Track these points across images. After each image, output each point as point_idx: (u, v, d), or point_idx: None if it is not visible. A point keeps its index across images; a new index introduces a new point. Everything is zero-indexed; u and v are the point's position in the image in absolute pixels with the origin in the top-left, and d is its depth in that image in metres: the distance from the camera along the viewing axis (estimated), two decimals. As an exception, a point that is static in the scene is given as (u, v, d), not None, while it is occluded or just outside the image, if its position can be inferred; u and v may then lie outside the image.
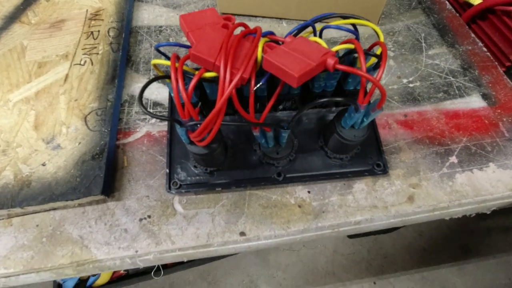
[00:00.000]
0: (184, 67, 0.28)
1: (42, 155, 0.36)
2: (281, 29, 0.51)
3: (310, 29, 0.31)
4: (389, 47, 0.49)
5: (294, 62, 0.25)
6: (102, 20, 0.49)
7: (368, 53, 0.29)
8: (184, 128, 0.28)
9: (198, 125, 0.27)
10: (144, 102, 0.43)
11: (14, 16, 0.50)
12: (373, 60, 0.31)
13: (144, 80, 0.45)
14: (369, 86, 0.27)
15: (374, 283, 1.19)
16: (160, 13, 0.53)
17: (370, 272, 1.21)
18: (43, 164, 0.35)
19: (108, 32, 0.47)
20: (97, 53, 0.45)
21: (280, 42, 0.29)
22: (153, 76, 0.46)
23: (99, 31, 0.47)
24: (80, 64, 0.43)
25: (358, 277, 1.20)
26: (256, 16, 0.53)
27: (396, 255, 1.24)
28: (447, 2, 0.54)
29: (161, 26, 0.52)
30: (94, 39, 0.46)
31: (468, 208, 0.36)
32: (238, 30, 0.28)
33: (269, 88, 0.34)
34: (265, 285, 1.19)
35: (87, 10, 0.50)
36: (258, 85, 0.28)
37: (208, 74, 0.27)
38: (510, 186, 0.36)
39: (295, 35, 0.30)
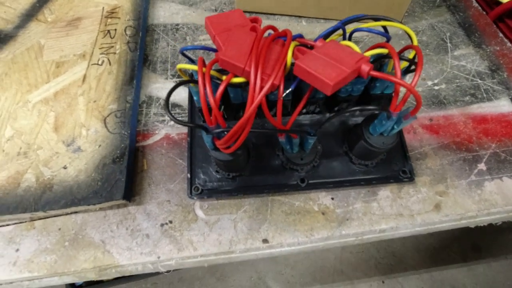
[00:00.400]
0: (211, 72, 0.27)
1: (63, 157, 0.35)
2: (301, 28, 0.50)
3: (339, 31, 0.30)
4: (412, 47, 0.47)
5: (327, 69, 0.24)
6: (119, 18, 0.48)
7: (402, 58, 0.27)
8: (210, 135, 0.27)
9: (225, 132, 0.26)
10: (162, 104, 0.42)
11: (31, 14, 0.49)
12: (404, 64, 0.29)
13: (162, 80, 0.44)
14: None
15: (383, 282, 1.18)
16: (176, 10, 0.52)
17: (379, 270, 1.20)
18: (64, 167, 0.35)
19: (125, 30, 0.46)
20: (115, 53, 0.44)
21: (310, 46, 0.28)
22: (170, 76, 0.45)
23: (115, 29, 0.46)
24: (97, 64, 0.43)
25: (367, 275, 1.20)
26: (274, 14, 0.52)
27: (405, 254, 1.23)
28: (473, -1, 0.52)
29: (177, 24, 0.51)
30: (111, 38, 0.45)
31: (496, 217, 0.35)
32: (267, 33, 0.27)
33: (294, 92, 0.33)
34: (273, 282, 1.20)
35: (103, 8, 0.49)
36: (287, 91, 0.27)
37: (237, 79, 0.26)
38: (542, 195, 0.34)
39: (325, 38, 0.29)
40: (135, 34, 0.46)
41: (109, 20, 0.48)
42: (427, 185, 0.36)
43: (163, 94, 0.43)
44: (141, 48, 0.46)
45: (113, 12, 0.48)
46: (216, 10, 0.52)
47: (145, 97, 0.43)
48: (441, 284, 1.16)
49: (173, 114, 0.25)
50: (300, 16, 0.51)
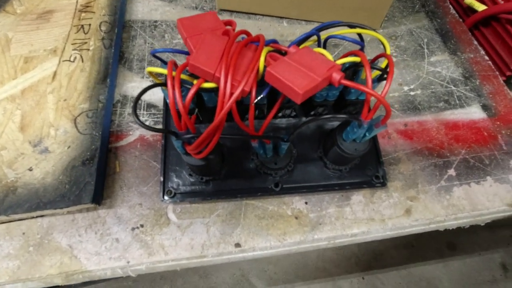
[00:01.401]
0: (182, 75, 0.27)
1: (29, 159, 0.34)
2: (282, 29, 0.50)
3: (314, 37, 0.30)
4: (391, 52, 0.47)
5: (298, 77, 0.23)
6: (94, 12, 0.46)
7: (374, 67, 0.27)
8: (180, 141, 0.26)
9: (196, 138, 0.26)
10: (138, 104, 0.41)
11: (-2, 5, 0.47)
12: (377, 72, 0.30)
13: (138, 79, 0.43)
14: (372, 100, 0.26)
15: (363, 278, 1.21)
16: (155, 6, 0.51)
17: (359, 267, 1.23)
18: (30, 169, 0.33)
19: (100, 26, 0.44)
20: (88, 49, 0.42)
21: (283, 52, 0.27)
22: (147, 75, 0.44)
23: (90, 24, 0.45)
24: (69, 60, 0.41)
25: (348, 272, 1.23)
26: (255, 14, 0.51)
27: (384, 251, 1.26)
28: (450, 6, 0.53)
29: (156, 21, 0.49)
30: (85, 34, 0.44)
31: (463, 221, 0.36)
32: (240, 38, 0.27)
33: (269, 96, 0.33)
34: (256, 279, 1.21)
35: (77, 1, 0.47)
36: (259, 97, 0.26)
37: (207, 85, 0.25)
38: (506, 201, 0.36)
39: (299, 44, 0.28)
40: (110, 30, 0.44)
41: (83, 14, 0.46)
42: (399, 190, 0.36)
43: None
44: (117, 45, 0.44)
45: (87, 6, 0.46)
46: (196, 8, 0.51)
47: (120, 96, 0.42)
48: (419, 279, 1.20)
49: (140, 119, 0.24)
50: (281, 17, 0.51)
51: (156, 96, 0.42)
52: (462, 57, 0.47)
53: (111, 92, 0.40)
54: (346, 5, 0.47)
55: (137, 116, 0.24)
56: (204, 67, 0.24)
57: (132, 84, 0.43)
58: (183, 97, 0.25)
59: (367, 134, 0.29)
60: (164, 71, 0.25)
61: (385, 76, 0.29)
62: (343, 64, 0.28)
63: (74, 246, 0.32)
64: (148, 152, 0.38)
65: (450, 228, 0.38)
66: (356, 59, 0.27)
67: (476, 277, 1.19)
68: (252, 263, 1.20)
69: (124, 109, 0.41)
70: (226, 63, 0.24)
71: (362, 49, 0.29)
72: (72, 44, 0.43)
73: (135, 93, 0.42)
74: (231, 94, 0.24)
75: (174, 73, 0.25)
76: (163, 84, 0.28)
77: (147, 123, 0.40)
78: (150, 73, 0.27)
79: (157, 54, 0.28)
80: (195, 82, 0.26)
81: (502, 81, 0.45)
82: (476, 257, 1.22)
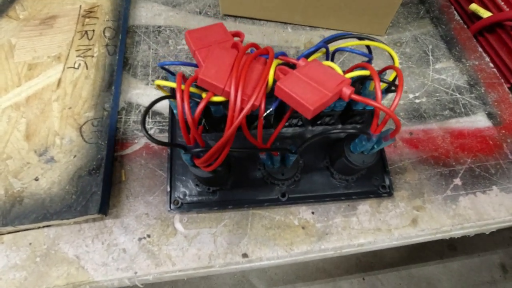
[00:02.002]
0: (190, 89, 0.26)
1: (35, 168, 0.34)
2: (286, 35, 0.50)
3: (322, 49, 0.29)
4: (396, 59, 0.47)
5: (308, 92, 0.23)
6: (97, 18, 0.46)
7: (383, 80, 0.27)
8: (189, 154, 0.26)
9: (204, 152, 0.26)
10: (143, 111, 0.41)
11: (0, 10, 0.46)
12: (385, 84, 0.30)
13: (143, 86, 0.43)
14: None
15: (363, 279, 1.22)
16: (159, 11, 0.51)
17: (360, 268, 1.23)
18: (36, 179, 0.33)
19: (104, 32, 0.44)
20: (92, 56, 0.42)
21: (293, 65, 0.27)
22: (151, 82, 0.44)
23: (93, 30, 0.44)
24: (74, 67, 0.41)
25: (348, 272, 1.23)
26: (260, 20, 0.51)
27: (385, 252, 1.26)
28: (455, 12, 0.53)
29: (160, 26, 0.49)
30: (89, 40, 0.43)
31: (469, 231, 0.36)
32: (249, 50, 0.27)
33: (277, 106, 0.33)
34: (256, 280, 1.21)
35: (80, 6, 0.47)
36: (268, 111, 0.26)
37: (217, 99, 0.25)
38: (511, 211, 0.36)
39: (307, 57, 0.28)
40: (114, 36, 0.44)
41: (86, 20, 0.45)
42: (405, 199, 0.36)
43: (143, 100, 0.42)
44: (121, 51, 0.44)
45: (91, 12, 0.46)
46: (200, 13, 0.51)
47: (125, 103, 0.41)
48: (418, 280, 1.21)
49: (149, 132, 0.24)
50: (286, 23, 0.51)
51: (161, 103, 0.41)
52: (467, 64, 0.47)
53: (116, 99, 0.40)
54: (351, 12, 0.47)
55: (146, 131, 0.24)
56: (214, 82, 0.24)
57: (136, 91, 0.42)
58: (192, 109, 0.24)
59: (375, 147, 0.29)
60: (173, 84, 0.25)
61: (393, 88, 0.29)
62: (352, 77, 0.27)
63: (81, 257, 0.32)
64: (153, 161, 0.38)
65: (455, 237, 0.38)
66: (365, 72, 0.27)
67: (475, 278, 1.20)
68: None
69: (129, 117, 0.40)
70: (236, 78, 0.24)
71: (370, 61, 0.29)
72: (76, 50, 0.42)
73: (140, 100, 0.42)
74: (241, 109, 0.24)
75: (182, 86, 0.24)
76: (172, 97, 0.27)
77: (152, 131, 0.40)
78: (159, 86, 0.27)
79: (165, 67, 0.28)
80: (203, 95, 0.26)
81: (507, 89, 0.45)
82: (476, 258, 1.22)
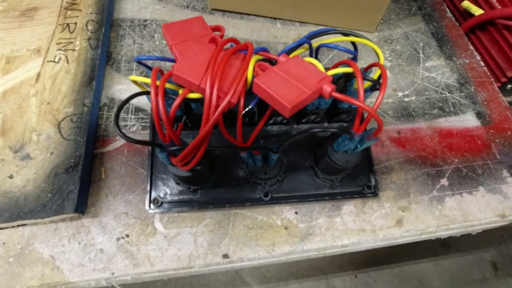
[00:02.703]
0: (167, 85, 0.25)
1: (9, 165, 0.33)
2: (275, 30, 0.48)
3: (305, 44, 0.29)
4: (386, 56, 0.47)
5: (287, 89, 0.22)
6: (80, 10, 0.44)
7: (366, 78, 0.27)
8: (165, 153, 0.25)
9: (181, 150, 0.25)
10: (125, 108, 0.40)
11: (-20, 1, 0.45)
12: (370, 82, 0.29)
13: (126, 81, 0.42)
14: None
15: (356, 276, 1.22)
16: (145, 4, 0.49)
17: (353, 265, 1.23)
18: (10, 177, 0.32)
19: (87, 25, 0.43)
20: (74, 49, 0.41)
21: (274, 61, 0.26)
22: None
23: (76, 23, 0.43)
24: (54, 61, 0.40)
25: (341, 269, 1.23)
26: (248, 14, 0.50)
27: (378, 249, 1.26)
28: (447, 9, 0.52)
29: (145, 20, 0.48)
30: (70, 33, 0.42)
31: (455, 232, 0.36)
32: (228, 45, 0.26)
33: (259, 103, 0.32)
34: (249, 277, 1.21)
35: (63, -2, 0.45)
36: (247, 109, 0.25)
37: (193, 95, 0.24)
38: (498, 212, 0.35)
39: (289, 53, 0.27)
40: (97, 29, 0.43)
41: (69, 12, 0.44)
42: (391, 200, 0.36)
43: (126, 96, 0.41)
44: (104, 45, 0.43)
45: (73, 4, 0.45)
46: (187, 7, 0.50)
47: (107, 99, 0.40)
48: (410, 277, 1.21)
49: (123, 131, 0.23)
50: (275, 18, 0.49)
51: (144, 99, 0.40)
52: (458, 63, 0.46)
53: (97, 95, 0.39)
54: (341, 7, 0.46)
55: (119, 128, 0.23)
56: (189, 78, 0.23)
57: (120, 87, 0.41)
58: (168, 107, 0.23)
59: (358, 146, 0.28)
60: (148, 80, 0.24)
61: (378, 86, 0.29)
62: (335, 74, 0.27)
63: (56, 257, 0.31)
64: (135, 158, 0.37)
65: (441, 238, 0.37)
66: (348, 69, 0.26)
67: (466, 275, 1.20)
68: (246, 261, 1.20)
69: (111, 113, 0.39)
70: (212, 74, 0.23)
71: (355, 58, 0.28)
72: (57, 44, 0.41)
73: (123, 95, 0.41)
74: (217, 106, 0.23)
75: (158, 82, 0.23)
76: (148, 93, 0.26)
77: (134, 127, 0.39)
78: (134, 82, 0.26)
79: (143, 61, 0.27)
80: (180, 91, 0.25)
81: (497, 88, 0.44)
82: (468, 256, 1.23)
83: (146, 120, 0.39)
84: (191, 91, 0.24)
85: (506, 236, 1.27)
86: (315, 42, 0.28)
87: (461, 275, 1.21)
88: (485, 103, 0.43)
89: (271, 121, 0.36)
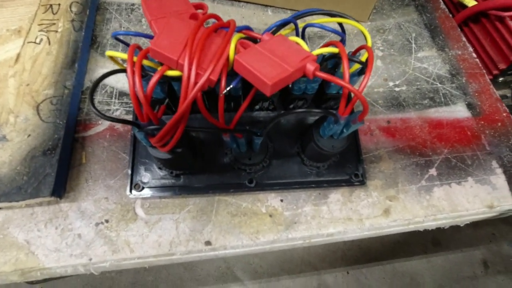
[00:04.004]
0: (146, 62, 0.24)
1: (-16, 147, 0.31)
2: (266, 18, 0.48)
3: (291, 25, 0.28)
4: (378, 46, 0.46)
5: (268, 67, 0.22)
6: (65, -8, 0.43)
7: (352, 59, 0.26)
8: (143, 132, 0.25)
9: (159, 130, 0.24)
10: (109, 92, 0.39)
11: (-40, -20, 0.43)
12: (358, 65, 0.28)
13: (111, 65, 0.41)
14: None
15: (348, 272, 1.22)
16: (133, -12, 0.48)
17: (345, 261, 1.23)
18: (-15, 158, 0.31)
19: (70, 6, 0.42)
20: (56, 31, 0.39)
21: (258, 40, 0.25)
22: (121, 62, 0.41)
23: (59, 4, 0.42)
24: (35, 42, 0.38)
25: (333, 266, 1.23)
26: (239, 1, 0.49)
27: (370, 246, 1.27)
28: (441, 0, 0.51)
29: (133, 4, 0.46)
30: (53, 14, 0.41)
31: (442, 222, 0.35)
32: (209, 23, 0.25)
33: (244, 86, 0.31)
34: (241, 272, 1.20)
35: (47, -21, 0.44)
36: (228, 88, 0.24)
37: (172, 73, 0.23)
38: (486, 203, 0.35)
39: (274, 32, 0.26)
40: (81, 11, 0.42)
41: (52, -7, 0.42)
42: (379, 189, 0.35)
43: (110, 80, 0.40)
44: (89, 28, 0.41)
45: (58, -15, 0.43)
46: (176, -8, 0.48)
47: (90, 83, 0.39)
48: (402, 275, 1.22)
49: (98, 109, 0.22)
50: (266, 5, 0.48)
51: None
52: (450, 54, 0.46)
53: (80, 78, 0.38)
54: (333, -5, 0.45)
55: (93, 103, 0.22)
56: (167, 53, 0.22)
57: (104, 70, 0.40)
58: (146, 85, 0.23)
59: (344, 131, 0.27)
60: (124, 56, 0.23)
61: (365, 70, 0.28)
62: (321, 55, 0.26)
63: (31, 242, 0.30)
64: (117, 143, 0.36)
65: (429, 229, 0.37)
66: (334, 50, 0.25)
67: (457, 273, 1.21)
68: (238, 256, 1.20)
69: (94, 97, 0.38)
70: (190, 49, 0.22)
71: (342, 40, 0.28)
72: (39, 25, 0.40)
73: (107, 80, 0.40)
74: (196, 83, 0.22)
75: (135, 59, 0.23)
76: (125, 71, 0.25)
77: (118, 112, 0.38)
78: (111, 58, 0.25)
79: (120, 37, 0.26)
80: (159, 69, 0.24)
81: (488, 80, 0.44)
82: (459, 253, 1.24)
83: (131, 105, 0.38)
84: (170, 68, 0.23)
85: (497, 234, 1.28)
86: (302, 23, 0.28)
87: (452, 273, 1.22)
88: (476, 94, 0.42)
89: (257, 107, 0.35)
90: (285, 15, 0.48)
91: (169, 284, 1.12)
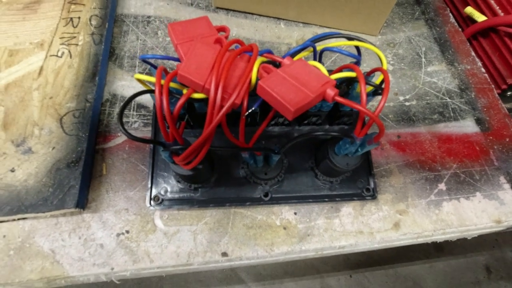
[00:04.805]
0: (172, 84, 0.26)
1: (11, 159, 0.33)
2: (279, 31, 0.49)
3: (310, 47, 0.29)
4: (388, 60, 0.47)
5: (291, 92, 0.23)
6: (84, 5, 0.44)
7: (369, 83, 0.27)
8: (168, 151, 0.26)
9: (184, 149, 0.25)
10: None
11: (-17, -8, 0.44)
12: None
13: (129, 78, 0.42)
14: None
15: (350, 276, 1.23)
16: (149, 1, 0.49)
17: (348, 265, 1.24)
18: (12, 170, 0.32)
19: (90, 20, 0.43)
20: (77, 44, 0.41)
21: (278, 64, 0.26)
22: (138, 73, 0.42)
23: (79, 18, 0.43)
24: (57, 55, 0.40)
25: (336, 269, 1.24)
26: (252, 14, 0.50)
27: (373, 251, 1.27)
28: (450, 14, 0.52)
29: (149, 17, 0.48)
30: (74, 27, 0.42)
31: (451, 236, 0.36)
32: (233, 46, 0.26)
33: (262, 104, 0.32)
34: (245, 274, 1.21)
35: (67, -8, 0.45)
36: (250, 110, 0.26)
37: (197, 95, 0.24)
38: (493, 218, 0.36)
39: (293, 56, 0.28)
40: (101, 24, 0.43)
41: (72, 6, 0.44)
42: (389, 203, 0.36)
43: (129, 92, 0.41)
44: (107, 41, 0.43)
45: (78, -2, 0.45)
46: (192, 5, 0.49)
47: (109, 95, 0.40)
48: (404, 279, 1.22)
49: (129, 128, 0.23)
50: (279, 18, 0.50)
51: (146, 96, 0.40)
52: (459, 68, 0.47)
53: (100, 90, 0.39)
54: (345, 9, 0.46)
55: (123, 126, 0.24)
56: (194, 78, 0.23)
57: (122, 83, 0.41)
58: (172, 105, 0.24)
59: (359, 150, 0.28)
60: (152, 79, 0.24)
61: (380, 91, 0.29)
62: (338, 78, 0.27)
63: (56, 251, 0.31)
64: (136, 155, 0.37)
65: (437, 242, 0.38)
66: (351, 74, 0.26)
67: (460, 278, 1.21)
68: (242, 259, 1.20)
69: (113, 109, 0.39)
70: (217, 75, 0.23)
71: (358, 62, 0.29)
72: (60, 38, 0.41)
73: (125, 92, 0.41)
74: (221, 107, 0.23)
75: (162, 81, 0.24)
76: (152, 91, 0.27)
77: (136, 124, 0.39)
78: (139, 80, 0.26)
79: (147, 60, 0.27)
80: (184, 91, 0.25)
81: (497, 95, 0.44)
82: (462, 259, 1.24)
83: (148, 117, 0.39)
84: (195, 91, 0.24)
85: (500, 240, 1.28)
86: (319, 46, 0.29)
87: (454, 278, 1.22)
88: (485, 109, 0.43)
89: (272, 122, 0.36)
90: (297, 28, 0.49)
91: (173, 285, 1.14)
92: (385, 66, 0.27)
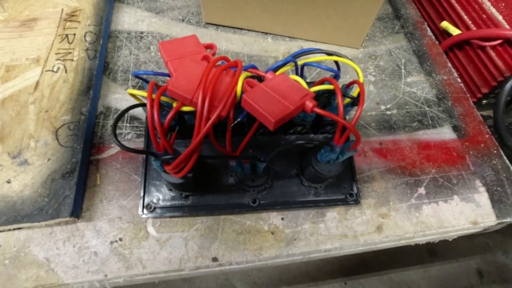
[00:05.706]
0: (162, 98, 0.27)
1: (7, 171, 0.34)
2: (266, 45, 0.51)
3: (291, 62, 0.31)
4: (370, 72, 0.49)
5: (272, 105, 0.25)
6: (79, 22, 0.46)
7: (345, 95, 0.29)
8: (159, 161, 0.27)
9: (174, 159, 0.27)
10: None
11: (-19, 10, 0.46)
12: (354, 94, 0.31)
13: (122, 91, 0.44)
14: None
15: (345, 283, 1.23)
16: (142, 17, 0.51)
17: (342, 272, 1.25)
18: (8, 181, 0.33)
19: (85, 36, 0.45)
20: (72, 60, 0.42)
21: (262, 78, 0.28)
22: (131, 87, 0.44)
23: (74, 34, 0.45)
24: (52, 70, 0.41)
25: (331, 276, 1.24)
26: (241, 29, 0.52)
27: (367, 257, 1.28)
28: (428, 28, 0.55)
29: (142, 32, 0.50)
30: (69, 43, 0.44)
31: (431, 238, 0.38)
32: (220, 62, 0.28)
33: (248, 115, 0.34)
34: (240, 283, 1.21)
35: (62, 10, 0.47)
36: (235, 122, 0.28)
37: (186, 108, 0.26)
38: (470, 219, 0.38)
39: (275, 71, 0.30)
40: (95, 40, 0.45)
41: (68, 23, 0.46)
42: (372, 207, 0.38)
43: (122, 105, 0.42)
44: (102, 56, 0.44)
45: (73, 15, 0.47)
46: (183, 20, 0.52)
47: (103, 108, 0.42)
48: (399, 285, 1.23)
49: (121, 139, 0.25)
50: (266, 33, 0.52)
51: (139, 108, 0.42)
52: (437, 79, 0.50)
53: (94, 104, 0.41)
54: (328, 25, 0.48)
55: (117, 138, 0.25)
56: (183, 93, 0.25)
57: (116, 96, 0.43)
58: (163, 118, 0.25)
59: (340, 157, 0.30)
60: (144, 93, 0.26)
61: (357, 102, 0.31)
62: (317, 91, 0.29)
63: (51, 259, 0.32)
64: (129, 165, 0.38)
65: (420, 243, 0.40)
66: (329, 86, 0.28)
67: (453, 283, 1.23)
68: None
69: (107, 121, 0.41)
70: (203, 89, 0.25)
71: (336, 76, 0.31)
72: (56, 54, 0.43)
73: (119, 105, 0.42)
74: (208, 118, 0.25)
75: (153, 96, 0.25)
76: (144, 105, 0.28)
77: (129, 135, 0.40)
78: (132, 95, 0.28)
79: (140, 76, 0.29)
80: (174, 104, 0.27)
81: (472, 104, 0.47)
82: (454, 264, 1.26)
83: (141, 128, 0.41)
84: (184, 105, 0.26)
85: (491, 244, 1.31)
86: (300, 60, 0.31)
87: (448, 282, 1.24)
88: (461, 117, 0.46)
89: (261, 130, 0.38)
90: (284, 42, 0.52)
91: (168, 295, 1.13)
92: (361, 79, 0.29)
